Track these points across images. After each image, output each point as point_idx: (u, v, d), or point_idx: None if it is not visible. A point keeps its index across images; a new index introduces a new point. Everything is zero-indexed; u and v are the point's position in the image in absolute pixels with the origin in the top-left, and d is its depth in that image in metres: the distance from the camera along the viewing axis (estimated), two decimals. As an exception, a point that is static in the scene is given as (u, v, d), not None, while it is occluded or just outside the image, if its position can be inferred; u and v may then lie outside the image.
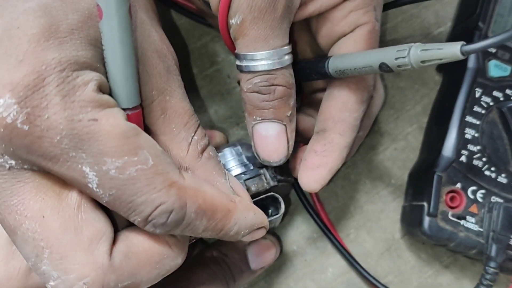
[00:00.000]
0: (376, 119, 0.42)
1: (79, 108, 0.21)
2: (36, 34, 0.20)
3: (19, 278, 0.23)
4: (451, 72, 0.40)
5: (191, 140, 0.26)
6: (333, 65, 0.29)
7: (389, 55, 0.25)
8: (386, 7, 0.37)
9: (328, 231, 0.39)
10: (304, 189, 0.31)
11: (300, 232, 0.39)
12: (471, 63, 0.37)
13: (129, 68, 0.23)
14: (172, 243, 0.24)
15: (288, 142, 0.30)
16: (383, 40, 0.43)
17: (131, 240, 0.23)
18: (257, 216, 0.27)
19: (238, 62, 0.29)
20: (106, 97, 0.22)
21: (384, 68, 0.25)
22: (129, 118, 0.23)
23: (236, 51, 0.29)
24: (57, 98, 0.20)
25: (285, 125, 0.30)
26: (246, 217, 0.26)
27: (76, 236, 0.22)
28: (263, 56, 0.28)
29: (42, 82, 0.20)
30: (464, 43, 0.22)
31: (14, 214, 0.21)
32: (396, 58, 0.24)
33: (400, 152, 0.41)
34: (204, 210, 0.23)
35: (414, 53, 0.23)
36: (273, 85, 0.29)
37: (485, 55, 0.37)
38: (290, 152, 0.31)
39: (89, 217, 0.22)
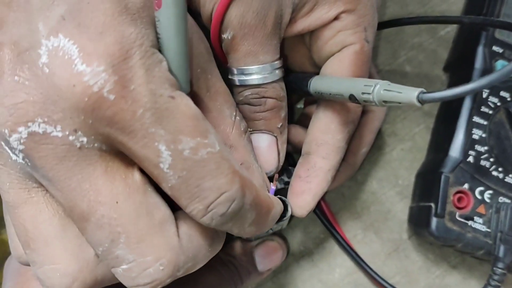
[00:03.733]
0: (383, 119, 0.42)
1: (160, 84, 0.20)
2: (109, 9, 0.20)
3: (90, 270, 0.23)
4: (458, 72, 0.40)
5: (235, 119, 0.26)
6: (314, 85, 0.30)
7: (357, 88, 0.25)
8: (386, 25, 0.38)
9: (335, 231, 0.39)
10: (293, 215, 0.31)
11: (307, 232, 0.39)
12: (478, 63, 0.37)
13: (183, 57, 0.23)
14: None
15: (278, 154, 0.31)
16: (390, 40, 0.43)
17: (190, 223, 0.23)
18: (281, 209, 0.27)
19: (230, 76, 0.29)
20: (175, 79, 0.22)
21: (353, 99, 0.26)
22: None
23: (228, 65, 0.29)
24: (142, 70, 0.20)
25: (275, 137, 0.30)
26: (276, 212, 0.26)
27: (149, 220, 0.22)
28: (254, 71, 0.28)
29: (126, 53, 0.20)
30: (424, 90, 0.22)
31: (87, 200, 0.21)
32: (362, 93, 0.24)
33: (407, 152, 0.41)
34: (255, 203, 0.23)
35: (378, 91, 0.24)
36: (263, 97, 0.29)
37: (492, 55, 0.37)
38: (281, 164, 0.31)
39: (154, 201, 0.22)
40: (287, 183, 0.31)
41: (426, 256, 0.40)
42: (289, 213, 0.31)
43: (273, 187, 0.30)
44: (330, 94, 0.28)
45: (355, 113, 0.31)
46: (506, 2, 0.38)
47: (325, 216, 0.39)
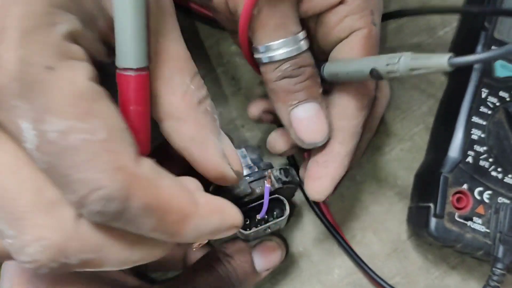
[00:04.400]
0: (382, 119, 0.41)
1: (38, 50, 0.18)
2: None
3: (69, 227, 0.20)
4: (458, 72, 0.39)
5: (187, 88, 0.24)
6: (328, 69, 0.30)
7: (380, 61, 0.25)
8: (387, 17, 0.38)
9: (335, 231, 0.39)
10: (310, 199, 0.31)
11: (306, 233, 0.39)
12: (477, 63, 0.37)
13: (140, 23, 0.20)
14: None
15: (326, 120, 0.30)
16: (389, 40, 0.43)
17: None
18: (224, 219, 0.23)
19: (259, 55, 0.29)
20: (75, 47, 0.19)
21: (374, 74, 0.26)
22: (132, 81, 0.21)
23: (256, 45, 0.29)
24: (15, 32, 0.17)
25: (319, 104, 0.30)
26: (208, 222, 0.22)
27: (35, 198, 0.19)
28: (285, 44, 0.28)
29: (3, 9, 0.17)
30: (453, 55, 0.22)
31: None
32: (387, 64, 0.25)
33: (406, 152, 0.41)
34: (154, 209, 0.20)
35: (405, 60, 0.24)
36: (302, 66, 0.29)
37: (491, 55, 0.37)
38: (329, 130, 0.31)
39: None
40: (286, 183, 0.31)
41: (425, 256, 0.40)
42: (287, 212, 0.31)
43: (267, 185, 0.29)
44: (347, 73, 0.28)
45: (369, 98, 0.31)
46: (505, 2, 0.38)
47: (325, 216, 0.39)
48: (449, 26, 0.43)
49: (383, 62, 0.25)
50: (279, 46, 0.28)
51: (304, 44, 0.29)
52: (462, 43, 0.40)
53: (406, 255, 0.40)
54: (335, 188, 0.32)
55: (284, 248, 0.35)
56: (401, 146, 0.41)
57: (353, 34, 0.30)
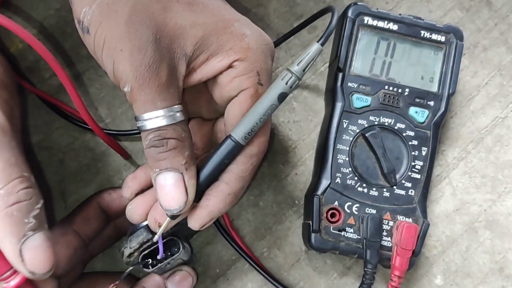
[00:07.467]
0: (277, 152, 0.49)
1: None
2: None
3: None
4: (328, 106, 0.47)
5: None
6: (239, 134, 0.34)
7: (280, 85, 0.34)
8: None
9: (244, 253, 0.46)
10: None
11: (221, 256, 0.47)
12: (339, 99, 0.44)
13: None
14: None
15: (186, 190, 0.33)
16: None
17: None
18: None
19: (137, 123, 0.33)
20: None
21: (280, 97, 0.34)
22: None
23: (135, 114, 0.33)
24: None
25: (181, 174, 0.33)
26: None
27: None
28: (152, 116, 0.32)
29: None
30: (321, 40, 0.34)
31: None
32: (286, 82, 0.34)
33: (301, 176, 0.49)
34: None
35: (294, 68, 0.34)
36: (165, 138, 0.32)
37: (348, 91, 0.44)
38: (191, 199, 0.34)
39: None
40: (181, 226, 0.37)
41: (324, 261, 0.47)
42: (181, 250, 0.39)
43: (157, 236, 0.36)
44: (260, 119, 0.34)
45: (259, 147, 0.36)
46: (353, 48, 0.45)
47: (234, 241, 0.46)
48: (329, 61, 0.51)
49: (282, 84, 0.34)
50: (148, 117, 0.32)
51: (177, 117, 0.33)
52: (329, 79, 0.47)
53: (307, 263, 0.47)
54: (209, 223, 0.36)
55: (194, 274, 0.42)
56: (296, 171, 0.49)
57: (241, 92, 0.35)
